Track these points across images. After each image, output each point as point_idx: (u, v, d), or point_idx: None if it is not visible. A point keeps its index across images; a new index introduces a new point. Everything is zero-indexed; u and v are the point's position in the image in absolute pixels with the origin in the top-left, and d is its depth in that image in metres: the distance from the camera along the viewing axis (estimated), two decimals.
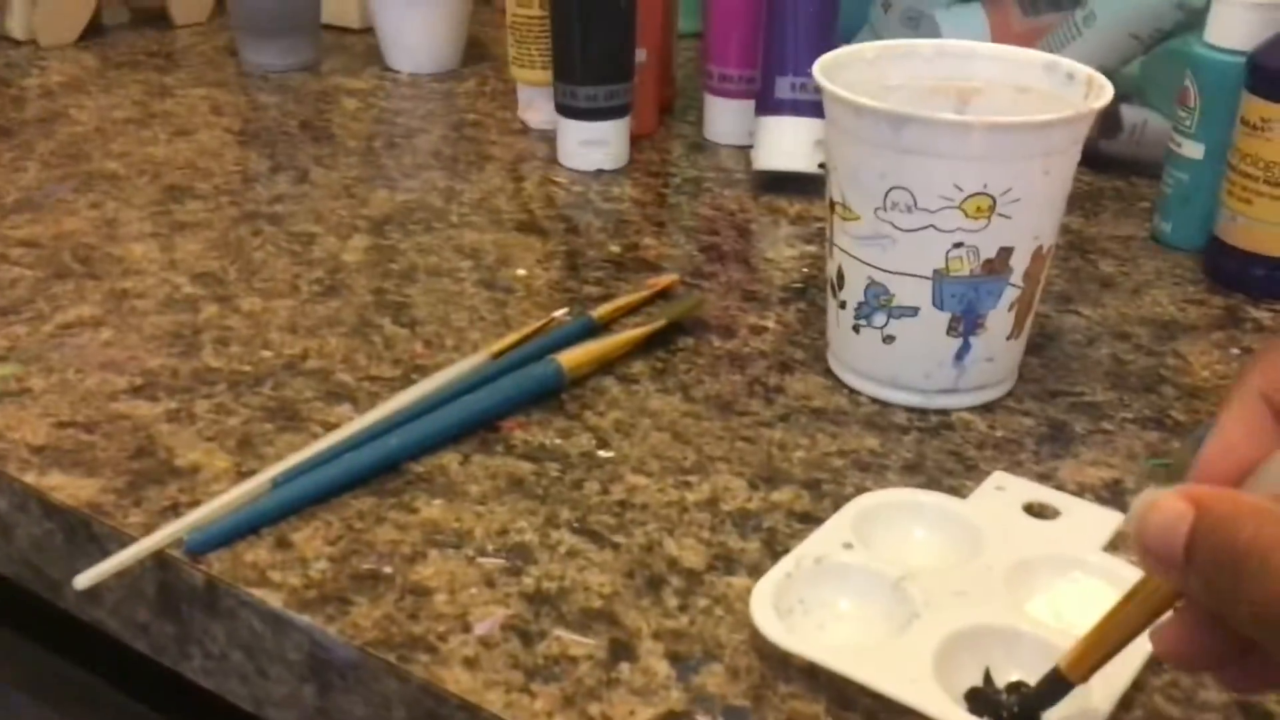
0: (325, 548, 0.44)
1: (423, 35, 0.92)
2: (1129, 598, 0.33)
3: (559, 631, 0.40)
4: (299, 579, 0.42)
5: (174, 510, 0.45)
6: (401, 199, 0.72)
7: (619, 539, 0.45)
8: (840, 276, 0.53)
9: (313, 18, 0.94)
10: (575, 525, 0.45)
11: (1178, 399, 0.54)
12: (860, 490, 0.47)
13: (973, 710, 0.37)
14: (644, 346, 0.56)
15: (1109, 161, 0.75)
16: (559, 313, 0.59)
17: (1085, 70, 0.53)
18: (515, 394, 0.52)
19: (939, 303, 0.50)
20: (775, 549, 0.44)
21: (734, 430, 0.51)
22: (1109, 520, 0.45)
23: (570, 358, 0.53)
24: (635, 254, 0.66)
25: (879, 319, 0.52)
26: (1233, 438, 0.31)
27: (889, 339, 0.52)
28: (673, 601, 0.42)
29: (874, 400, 0.53)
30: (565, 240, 0.68)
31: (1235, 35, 0.62)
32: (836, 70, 0.52)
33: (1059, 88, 0.53)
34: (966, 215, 0.49)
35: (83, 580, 0.43)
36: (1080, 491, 0.47)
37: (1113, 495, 0.47)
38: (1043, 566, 0.42)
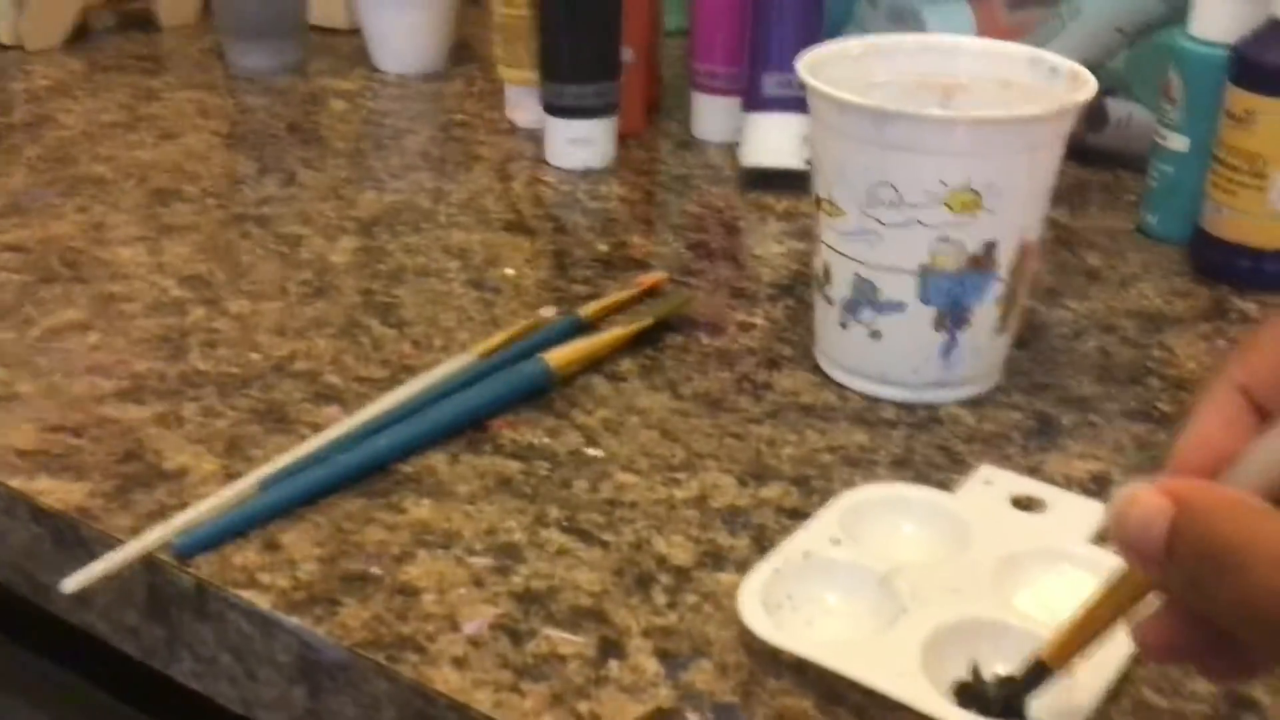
0: (314, 549, 0.44)
1: (410, 36, 0.91)
2: (1109, 586, 0.33)
3: (548, 630, 0.40)
4: (287, 581, 0.42)
5: (162, 513, 0.45)
6: (389, 200, 0.72)
7: (608, 537, 0.45)
8: (827, 272, 0.53)
9: (299, 19, 0.94)
10: (564, 524, 0.45)
11: (1164, 391, 0.54)
12: (849, 485, 0.47)
13: (960, 703, 0.37)
14: (632, 344, 0.56)
15: (1095, 155, 0.75)
16: (547, 312, 0.59)
17: (1069, 64, 0.53)
18: (503, 393, 0.52)
19: (925, 298, 0.50)
20: (764, 545, 0.44)
21: (722, 427, 0.51)
22: (1096, 513, 0.46)
23: (558, 357, 0.53)
24: (623, 252, 0.66)
25: (866, 315, 0.52)
26: (1210, 430, 0.31)
27: (876, 334, 0.52)
28: (661, 599, 0.42)
29: (862, 396, 0.53)
30: (553, 239, 0.68)
31: (1218, 28, 0.63)
32: (821, 67, 0.52)
33: (1043, 82, 0.53)
34: (952, 210, 0.49)
35: (71, 584, 0.43)
36: (1067, 484, 0.48)
37: (1100, 488, 0.48)
38: (1030, 560, 0.42)
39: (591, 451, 0.49)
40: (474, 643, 0.40)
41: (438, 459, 0.49)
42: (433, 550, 0.44)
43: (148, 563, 0.44)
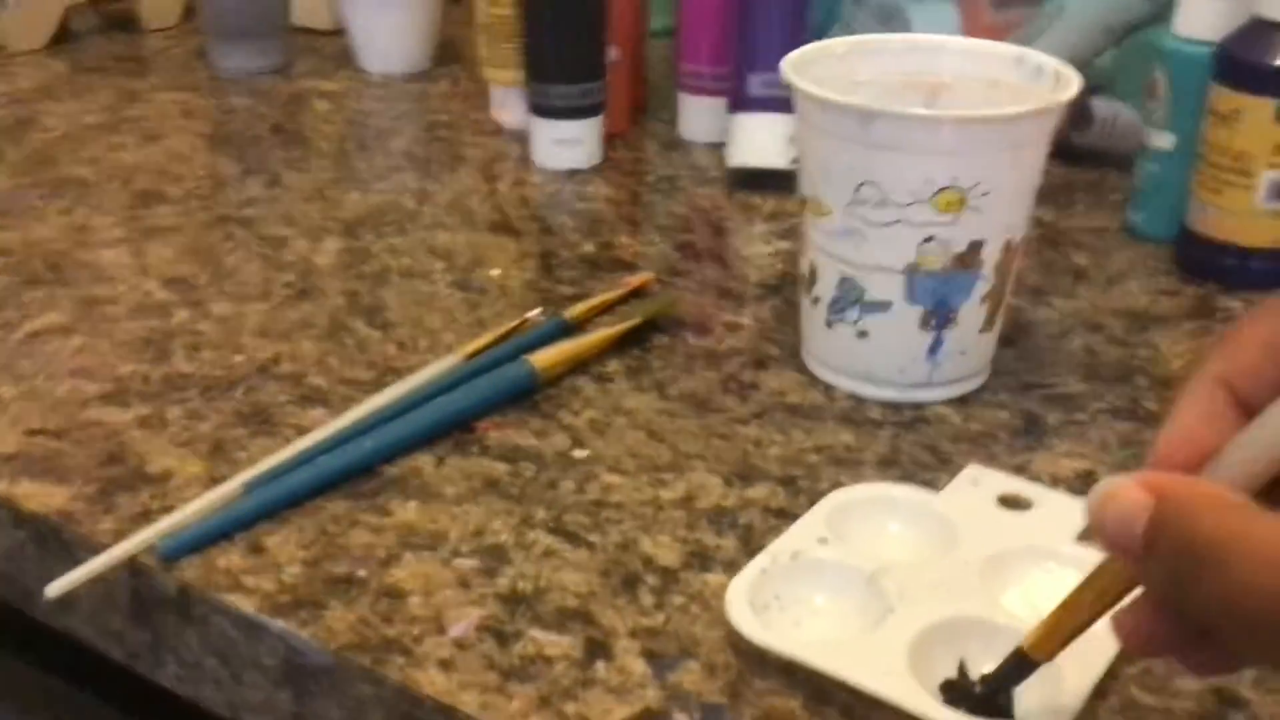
0: (299, 552, 0.44)
1: (394, 36, 0.91)
2: (1091, 578, 0.33)
3: (534, 632, 0.40)
4: (272, 584, 0.42)
5: (146, 517, 0.45)
6: (374, 201, 0.71)
7: (594, 538, 0.44)
8: (813, 272, 0.53)
9: (282, 20, 0.94)
10: (550, 525, 0.45)
11: (1150, 389, 0.54)
12: (835, 485, 0.47)
13: (948, 702, 0.37)
14: (619, 345, 0.56)
15: (1081, 154, 0.75)
16: (533, 313, 0.59)
17: (1054, 63, 0.53)
18: (489, 395, 0.52)
19: (911, 297, 0.50)
20: (751, 545, 0.44)
21: (709, 427, 0.51)
22: (1082, 511, 0.45)
23: (544, 358, 0.53)
24: (609, 253, 0.66)
25: (852, 314, 0.52)
26: (1190, 424, 0.30)
27: (862, 334, 0.52)
28: (648, 600, 0.42)
29: (849, 395, 0.53)
30: (539, 240, 0.67)
31: (1203, 26, 0.63)
32: (806, 66, 0.52)
33: (1028, 81, 0.53)
34: (937, 209, 0.49)
35: (54, 589, 0.42)
36: (1054, 483, 0.48)
37: (1086, 486, 0.47)
38: (1017, 558, 0.42)
39: (578, 453, 0.49)
40: (460, 645, 0.40)
41: (424, 461, 0.49)
42: (419, 552, 0.44)
43: (132, 567, 0.43)
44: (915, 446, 0.50)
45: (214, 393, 0.53)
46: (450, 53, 0.95)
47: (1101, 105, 0.74)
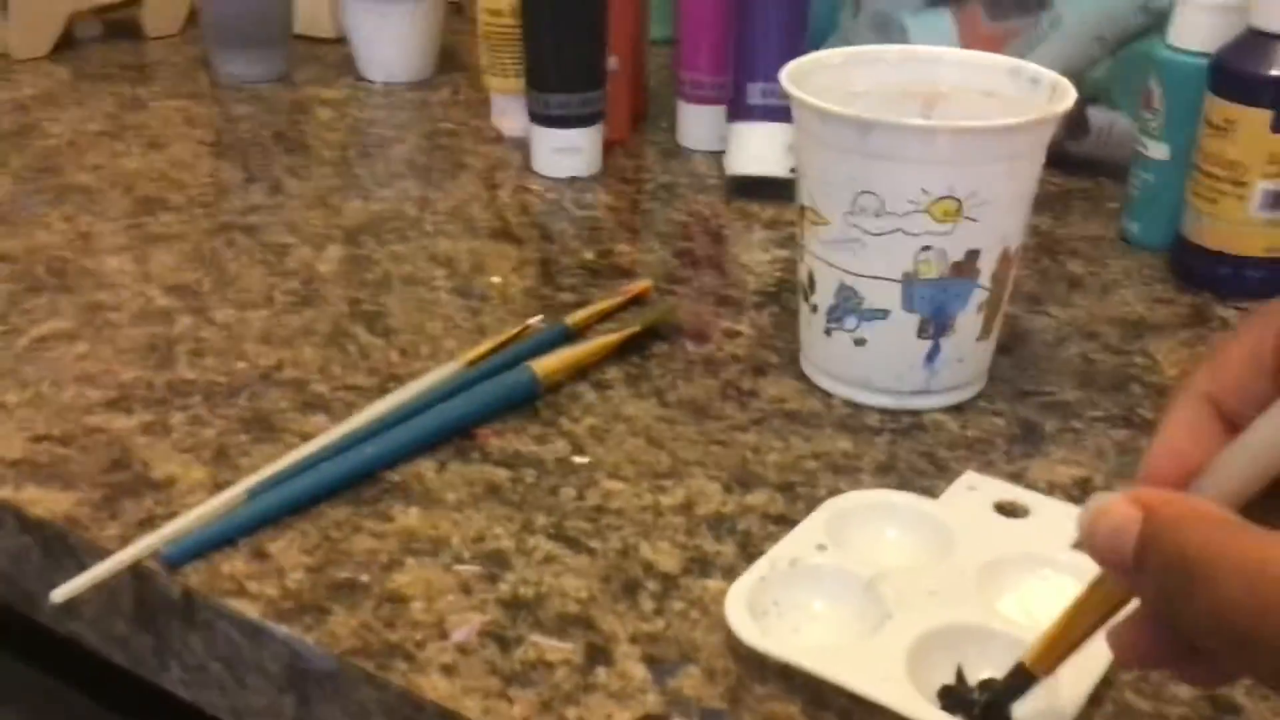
0: (302, 558, 0.44)
1: (396, 45, 0.92)
2: (1090, 592, 0.34)
3: (536, 637, 0.41)
4: (276, 589, 0.43)
5: (150, 523, 0.45)
6: (376, 208, 0.72)
7: (595, 544, 0.45)
8: (811, 280, 0.53)
9: (285, 28, 0.94)
10: (551, 531, 0.46)
11: (1146, 398, 0.55)
12: (833, 492, 0.47)
13: (945, 708, 0.37)
14: (618, 352, 0.57)
15: (1077, 163, 0.76)
16: (533, 320, 0.59)
17: (1049, 74, 0.53)
18: (490, 401, 0.52)
19: (909, 305, 0.51)
20: (750, 551, 0.44)
21: (708, 434, 0.51)
22: (1074, 526, 0.46)
23: (544, 365, 0.54)
24: (609, 260, 0.66)
25: (850, 322, 0.52)
26: (1178, 440, 0.31)
27: (860, 342, 0.52)
28: (649, 605, 0.42)
29: (846, 402, 0.54)
30: (539, 248, 0.68)
31: (1198, 37, 0.63)
32: (804, 76, 0.53)
33: (1024, 92, 0.54)
34: (934, 219, 0.49)
35: (60, 594, 0.43)
36: (1050, 490, 0.48)
37: (1082, 494, 0.48)
38: (1014, 565, 0.43)
39: (578, 459, 0.50)
40: (462, 650, 0.40)
41: (425, 467, 0.49)
42: (421, 558, 0.44)
43: (136, 572, 0.44)
44: (912, 454, 0.50)
45: (217, 399, 0.53)
46: (451, 61, 0.96)
47: (1098, 115, 0.75)
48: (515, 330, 0.58)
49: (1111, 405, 0.54)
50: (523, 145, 0.79)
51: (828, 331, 0.53)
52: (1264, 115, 0.60)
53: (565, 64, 0.74)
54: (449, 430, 0.51)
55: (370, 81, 0.93)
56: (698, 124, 0.80)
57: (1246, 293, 0.63)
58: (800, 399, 0.54)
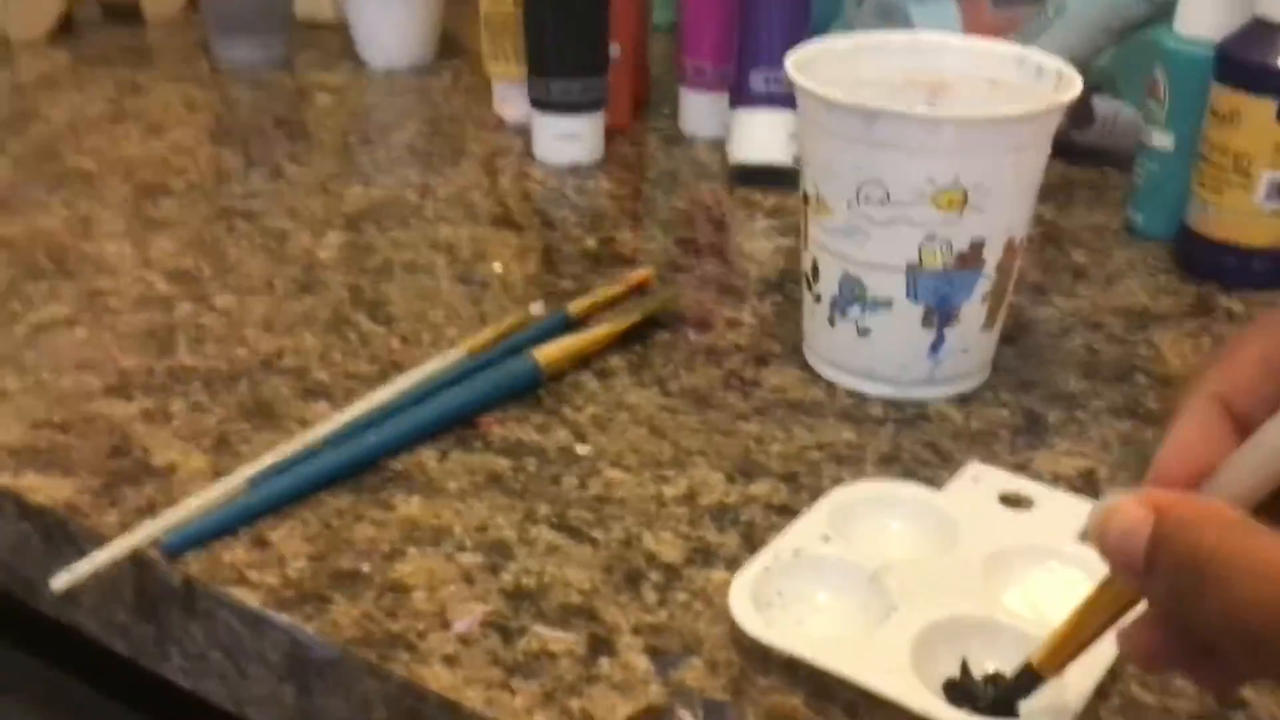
0: (303, 546, 0.44)
1: (396, 29, 0.91)
2: (1098, 593, 0.33)
3: (538, 628, 0.40)
4: (277, 578, 0.42)
5: (151, 510, 0.45)
6: (376, 195, 0.72)
7: (597, 534, 0.45)
8: (815, 270, 0.53)
9: (285, 13, 0.94)
10: (553, 521, 0.45)
11: (1151, 388, 0.54)
12: (837, 482, 0.47)
13: (950, 701, 0.37)
14: (620, 341, 0.56)
15: (1082, 152, 0.75)
16: (535, 308, 0.59)
17: (1055, 63, 0.53)
18: (492, 390, 0.52)
19: (913, 295, 0.51)
20: (753, 542, 0.44)
21: (711, 424, 0.51)
22: (1083, 510, 0.46)
23: (547, 353, 0.53)
24: (611, 248, 0.66)
25: (854, 312, 0.52)
26: (1189, 441, 0.31)
27: (864, 331, 0.52)
28: (651, 596, 0.42)
29: (850, 393, 0.53)
30: (541, 235, 0.68)
31: (1204, 26, 0.63)
32: (809, 65, 0.52)
33: (1029, 81, 0.53)
34: (939, 208, 0.49)
35: (60, 582, 0.43)
36: (1055, 481, 0.48)
37: (1087, 485, 0.48)
38: (1019, 557, 0.43)
39: (580, 448, 0.49)
40: (464, 640, 0.40)
41: (427, 455, 0.49)
42: (423, 547, 0.44)
43: (136, 560, 0.44)
44: (916, 444, 0.50)
45: (217, 386, 0.53)
46: (452, 47, 0.95)
47: (1102, 104, 0.74)
48: (517, 318, 0.57)
49: (1116, 396, 0.54)
50: (524, 132, 0.79)
51: (831, 321, 0.53)
52: (1270, 105, 0.59)
53: (567, 50, 0.74)
54: (451, 419, 0.50)
55: (371, 67, 0.92)
56: (700, 111, 0.80)
57: (1251, 283, 0.62)
58: (803, 389, 0.54)
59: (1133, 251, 0.67)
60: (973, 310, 0.51)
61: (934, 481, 0.47)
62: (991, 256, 0.50)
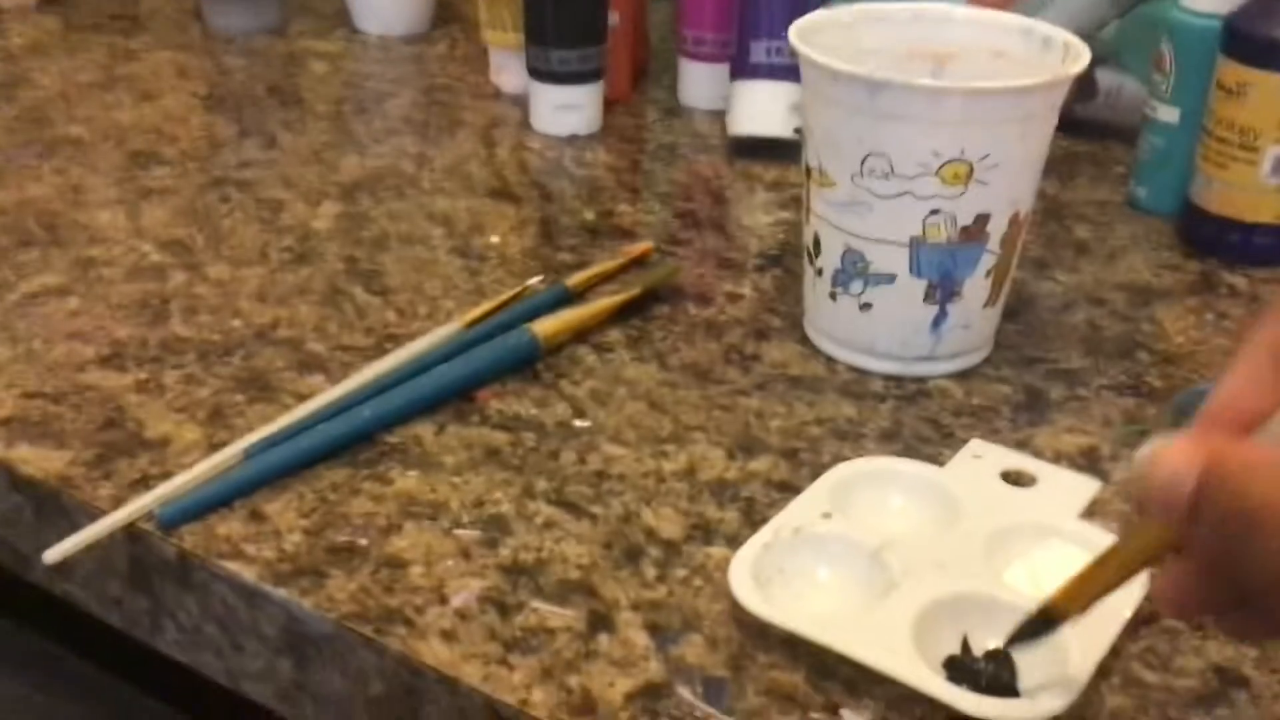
0: (299, 520, 0.43)
1: None
2: (1129, 538, 0.33)
3: (537, 603, 0.40)
4: (273, 552, 0.42)
5: (144, 483, 0.45)
6: (372, 165, 0.71)
7: (596, 509, 0.44)
8: (817, 243, 0.52)
9: None
10: (552, 496, 0.45)
11: (1153, 365, 0.54)
12: (838, 459, 0.47)
13: (951, 678, 0.37)
14: (619, 315, 0.56)
15: (1084, 126, 0.75)
16: (533, 281, 0.58)
17: (1062, 35, 0.52)
18: (490, 363, 0.51)
19: (916, 270, 0.50)
20: (753, 518, 0.44)
21: (711, 399, 0.51)
22: (1085, 487, 0.46)
23: (545, 327, 0.53)
24: (610, 221, 0.65)
25: (856, 286, 0.51)
26: (1240, 389, 0.30)
27: (866, 306, 0.52)
28: (651, 572, 0.42)
29: (851, 368, 0.53)
30: (539, 207, 0.67)
31: None
32: (812, 34, 0.52)
33: (1035, 52, 0.53)
34: (944, 182, 0.48)
35: (53, 555, 0.42)
36: (1056, 459, 0.48)
37: (1089, 462, 0.48)
38: (1020, 534, 0.42)
39: (579, 423, 0.49)
40: (462, 615, 0.40)
41: (424, 429, 0.48)
42: (420, 522, 0.43)
43: (130, 533, 0.43)
44: (917, 420, 0.50)
45: (212, 358, 0.52)
46: (449, 14, 0.94)
47: (1106, 76, 0.74)
48: (514, 291, 0.57)
49: (1118, 373, 0.53)
50: (521, 102, 0.78)
51: (833, 295, 0.52)
52: (1277, 79, 0.59)
53: (565, 18, 0.73)
54: (448, 392, 0.50)
55: (365, 34, 0.91)
56: (700, 82, 0.79)
57: (1255, 259, 0.62)
58: (803, 364, 0.53)
59: (1135, 226, 0.66)
60: (976, 285, 0.51)
61: (935, 458, 0.47)
62: (996, 231, 0.50)
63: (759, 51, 0.71)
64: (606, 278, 0.59)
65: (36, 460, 0.46)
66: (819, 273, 0.53)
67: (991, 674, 0.37)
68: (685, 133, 0.76)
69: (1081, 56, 0.50)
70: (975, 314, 0.52)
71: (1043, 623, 0.35)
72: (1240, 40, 0.59)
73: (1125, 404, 0.51)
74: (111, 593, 0.45)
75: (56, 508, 0.45)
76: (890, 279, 0.51)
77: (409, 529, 0.43)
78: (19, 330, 0.54)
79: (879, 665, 0.37)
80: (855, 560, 0.41)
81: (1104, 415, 0.50)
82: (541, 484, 0.45)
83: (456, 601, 0.40)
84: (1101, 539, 0.42)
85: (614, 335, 0.55)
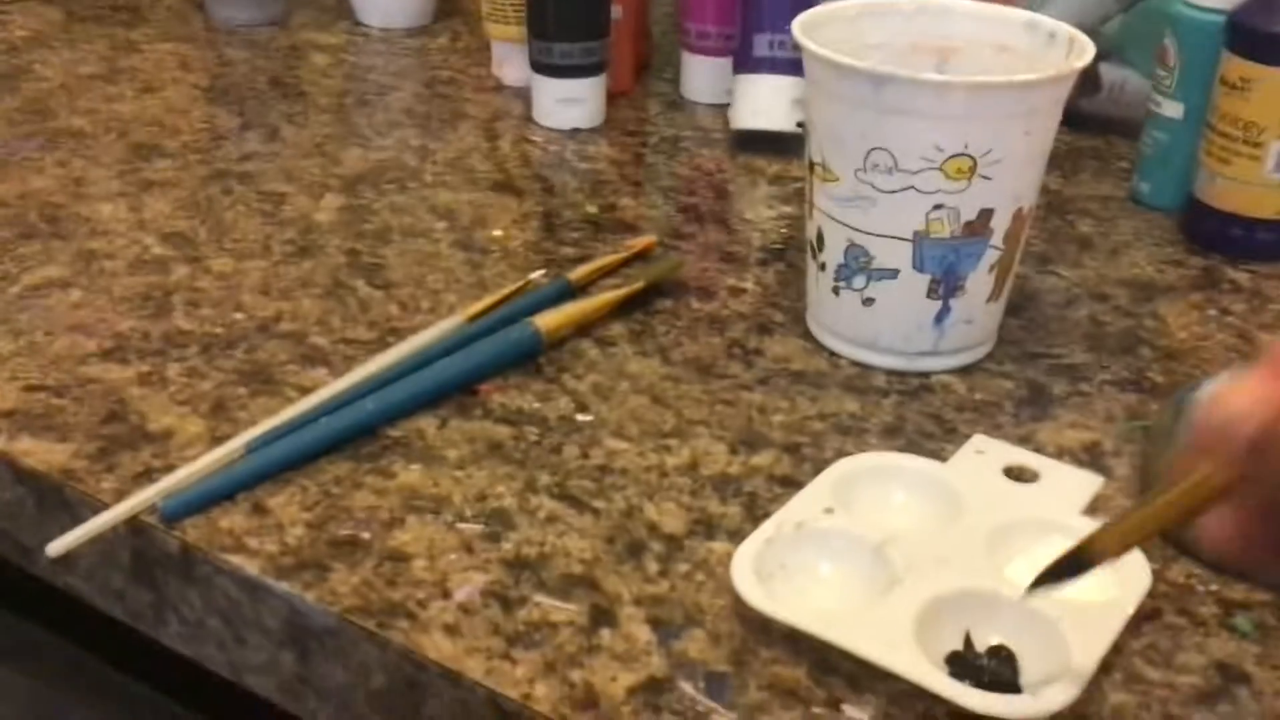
0: (302, 514, 0.43)
1: None
2: (1178, 484, 0.32)
3: (539, 598, 0.40)
4: (276, 545, 0.42)
5: (147, 476, 0.45)
6: (374, 158, 0.71)
7: (599, 504, 0.44)
8: (820, 238, 0.52)
9: None
10: (554, 490, 0.45)
11: (1156, 360, 0.54)
12: (840, 454, 0.47)
13: (953, 674, 0.37)
14: (622, 309, 0.56)
15: (1087, 120, 0.75)
16: (535, 274, 0.58)
17: (1066, 29, 0.52)
18: (492, 357, 0.51)
19: (919, 265, 0.50)
20: (756, 513, 0.44)
21: (713, 393, 0.51)
22: (1088, 483, 0.46)
23: (547, 320, 0.53)
24: (612, 215, 0.65)
25: (859, 281, 0.51)
26: None
27: (869, 301, 0.51)
28: (653, 567, 0.42)
29: (853, 363, 0.53)
30: (541, 200, 0.67)
31: None
32: (816, 28, 0.52)
33: (1040, 47, 0.53)
34: (947, 176, 0.48)
35: (56, 548, 0.42)
36: (1059, 454, 0.47)
37: (1091, 458, 0.48)
38: (1023, 530, 0.42)
39: (581, 417, 0.49)
40: (465, 610, 0.40)
41: (427, 423, 0.48)
42: (422, 515, 0.43)
43: (133, 526, 0.43)
44: (920, 415, 0.50)
45: (214, 351, 0.52)
46: (451, 7, 0.94)
47: (1110, 71, 0.74)
48: (517, 285, 0.57)
49: (1121, 368, 0.53)
50: (524, 95, 0.78)
51: (835, 290, 0.52)
52: None
53: (567, 12, 0.73)
54: (450, 386, 0.50)
55: (368, 26, 0.91)
56: (703, 76, 0.79)
57: (1258, 255, 0.62)
58: (806, 359, 0.53)
59: (1139, 222, 0.66)
60: (979, 281, 0.51)
61: (938, 454, 0.47)
62: (999, 226, 0.50)
63: (762, 45, 0.71)
64: (609, 272, 0.59)
65: (39, 453, 0.46)
66: (822, 267, 0.53)
67: (994, 670, 0.37)
68: (688, 126, 0.76)
69: (1086, 51, 0.50)
70: (978, 309, 0.52)
71: (1076, 562, 0.34)
72: (1244, 35, 0.59)
73: (1128, 399, 0.51)
74: (114, 586, 0.45)
75: (59, 501, 0.45)
76: (893, 274, 0.51)
77: (411, 523, 0.43)
78: (21, 323, 0.54)
79: (881, 661, 0.37)
80: (857, 556, 0.41)
81: (1107, 411, 0.50)
82: (544, 478, 0.45)
83: (459, 595, 0.40)
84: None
85: (616, 329, 0.55)
